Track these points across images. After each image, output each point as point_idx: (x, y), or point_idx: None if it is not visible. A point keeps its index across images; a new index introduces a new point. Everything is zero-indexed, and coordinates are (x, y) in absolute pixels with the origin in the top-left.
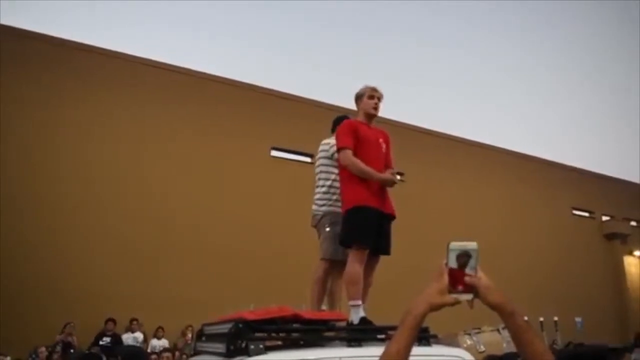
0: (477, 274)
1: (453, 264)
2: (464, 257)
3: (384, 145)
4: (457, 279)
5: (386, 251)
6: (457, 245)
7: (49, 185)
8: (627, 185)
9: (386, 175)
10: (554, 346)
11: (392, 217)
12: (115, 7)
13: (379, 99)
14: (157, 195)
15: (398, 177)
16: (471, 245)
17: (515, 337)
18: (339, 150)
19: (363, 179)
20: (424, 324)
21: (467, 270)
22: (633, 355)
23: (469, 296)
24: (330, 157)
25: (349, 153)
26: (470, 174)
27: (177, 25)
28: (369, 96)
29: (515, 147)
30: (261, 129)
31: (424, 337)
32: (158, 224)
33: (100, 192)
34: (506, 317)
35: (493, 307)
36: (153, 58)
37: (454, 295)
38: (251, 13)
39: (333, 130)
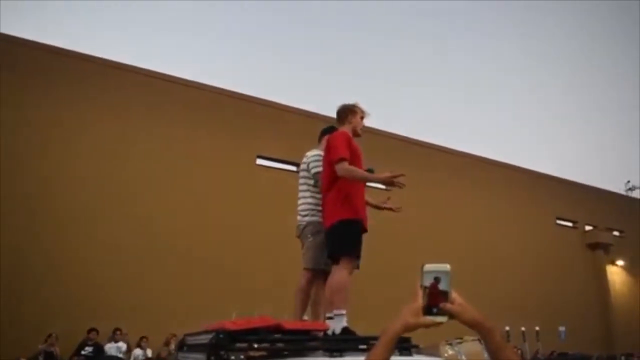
0: (451, 296)
1: (427, 285)
2: (437, 279)
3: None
4: (431, 301)
5: (358, 266)
6: (430, 267)
7: (30, 193)
8: (610, 196)
9: (386, 174)
10: (538, 356)
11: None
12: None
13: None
14: (141, 204)
15: (382, 187)
16: (443, 267)
17: (493, 354)
18: (336, 161)
19: (355, 192)
20: (407, 334)
21: (440, 292)
22: None
23: (444, 318)
24: (307, 170)
25: (346, 164)
26: (452, 184)
27: (164, 33)
28: (361, 117)
29: (498, 157)
30: (247, 137)
31: (405, 347)
32: (142, 232)
33: (84, 201)
34: (484, 334)
35: (470, 325)
36: (140, 65)
37: (430, 318)
38: (238, 21)
39: (320, 141)
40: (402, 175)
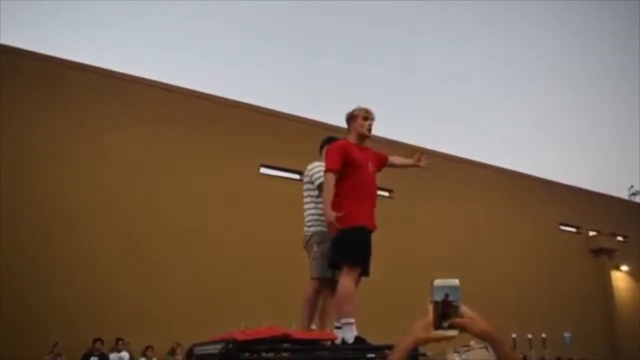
0: (461, 310)
1: (437, 299)
2: (447, 294)
3: (371, 166)
4: (442, 315)
5: (367, 273)
6: (440, 282)
7: (30, 203)
8: (613, 201)
9: (329, 216)
10: None
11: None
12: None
13: (373, 120)
14: (144, 214)
15: (386, 194)
16: (453, 282)
17: None
18: (325, 172)
19: (356, 201)
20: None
21: (450, 306)
22: None
23: (455, 332)
24: (310, 182)
25: (329, 176)
26: (457, 190)
27: (166, 43)
28: (364, 117)
29: (502, 164)
30: (250, 146)
31: (413, 356)
32: (145, 242)
33: (87, 212)
34: (495, 345)
35: (481, 337)
36: (141, 75)
37: (440, 332)
38: (240, 30)
39: (321, 153)
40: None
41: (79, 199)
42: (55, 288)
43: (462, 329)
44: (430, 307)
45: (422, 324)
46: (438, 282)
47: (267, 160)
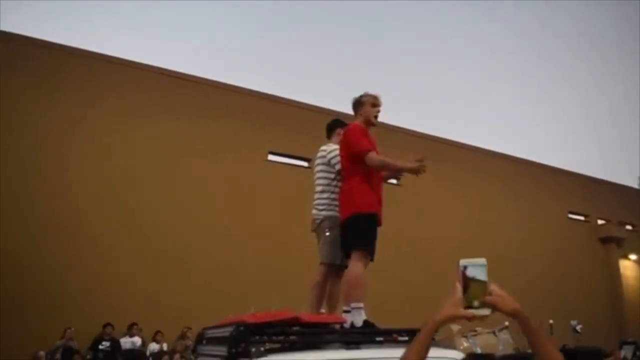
0: (490, 288)
1: (466, 278)
2: (474, 272)
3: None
4: (471, 294)
5: (373, 258)
6: (466, 261)
7: (47, 189)
8: (622, 189)
9: (414, 163)
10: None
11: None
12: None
13: (380, 107)
14: (153, 201)
15: (394, 181)
16: (480, 261)
17: (530, 340)
18: (363, 154)
19: (369, 186)
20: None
21: (482, 285)
22: (622, 352)
23: (487, 311)
24: (327, 164)
25: (374, 154)
26: (466, 178)
27: (173, 30)
28: (372, 104)
29: (511, 152)
30: (258, 133)
31: None
32: (155, 229)
33: (98, 199)
34: (522, 322)
35: (511, 314)
36: (148, 62)
37: (472, 311)
38: (248, 17)
39: (328, 136)
40: (424, 159)
41: (89, 184)
42: (66, 274)
43: (492, 307)
44: (458, 285)
45: (452, 301)
46: (464, 261)
47: (275, 148)
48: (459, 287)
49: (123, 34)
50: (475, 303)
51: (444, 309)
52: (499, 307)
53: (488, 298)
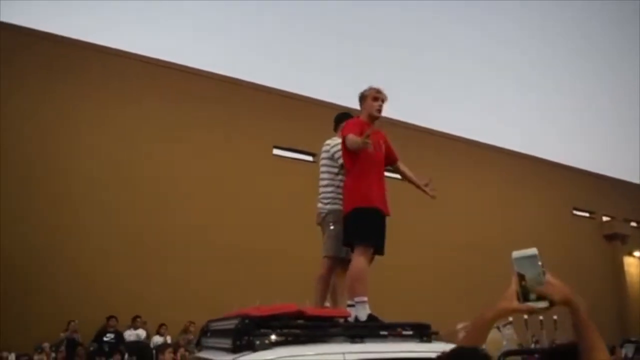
0: (546, 277)
1: (520, 271)
2: (526, 263)
3: (383, 147)
4: (527, 286)
5: (382, 251)
6: (518, 254)
7: (50, 182)
8: (627, 186)
9: (358, 141)
10: (554, 346)
11: (387, 216)
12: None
13: (383, 100)
14: (159, 193)
15: (400, 177)
16: (531, 251)
17: (577, 330)
18: (343, 138)
19: (369, 180)
20: (426, 321)
21: (536, 276)
22: (624, 350)
23: (545, 303)
24: (331, 158)
25: (350, 136)
26: (470, 174)
27: (177, 23)
28: (373, 98)
29: (515, 147)
30: (263, 127)
31: (425, 334)
32: (160, 221)
33: (103, 190)
34: (573, 312)
35: (563, 303)
36: (154, 56)
37: (530, 304)
38: (252, 10)
39: (335, 129)
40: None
41: (90, 179)
42: (70, 267)
43: (552, 302)
44: (514, 278)
45: (506, 295)
46: (516, 253)
47: (281, 142)
48: (514, 280)
49: (125, 24)
50: (532, 296)
51: (499, 302)
52: (550, 297)
53: (539, 289)
